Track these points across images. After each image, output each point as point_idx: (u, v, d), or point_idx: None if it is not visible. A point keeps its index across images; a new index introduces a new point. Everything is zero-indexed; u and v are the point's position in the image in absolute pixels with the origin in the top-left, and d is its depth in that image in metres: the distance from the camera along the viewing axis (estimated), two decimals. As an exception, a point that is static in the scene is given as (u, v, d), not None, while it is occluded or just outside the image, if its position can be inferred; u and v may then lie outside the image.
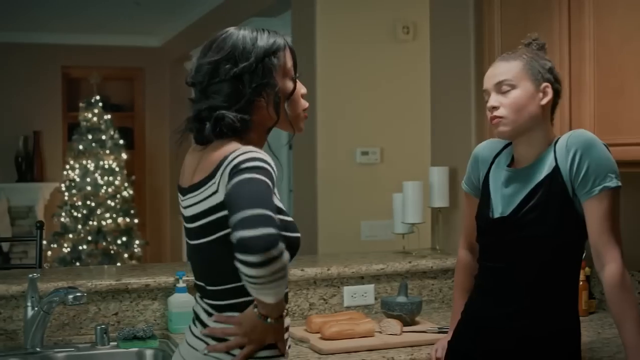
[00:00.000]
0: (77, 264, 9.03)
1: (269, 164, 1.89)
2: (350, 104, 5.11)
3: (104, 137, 9.35)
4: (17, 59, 9.91)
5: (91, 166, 9.24)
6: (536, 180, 2.37)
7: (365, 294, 3.40)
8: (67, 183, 9.31)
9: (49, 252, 9.40)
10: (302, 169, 5.39)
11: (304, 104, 2.13)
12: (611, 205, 2.30)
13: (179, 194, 2.12)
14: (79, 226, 9.17)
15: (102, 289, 3.10)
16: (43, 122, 10.04)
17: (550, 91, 2.40)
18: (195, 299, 2.17)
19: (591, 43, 2.89)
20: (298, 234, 2.00)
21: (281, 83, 2.04)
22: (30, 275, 2.96)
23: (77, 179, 9.26)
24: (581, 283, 3.20)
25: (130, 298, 3.15)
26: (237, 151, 1.91)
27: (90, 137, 9.32)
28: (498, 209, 2.44)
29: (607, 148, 2.34)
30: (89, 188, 9.19)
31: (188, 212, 2.04)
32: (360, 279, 3.41)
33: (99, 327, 3.00)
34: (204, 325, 2.05)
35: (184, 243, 2.22)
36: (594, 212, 2.30)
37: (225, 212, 1.87)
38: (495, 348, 2.41)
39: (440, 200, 3.68)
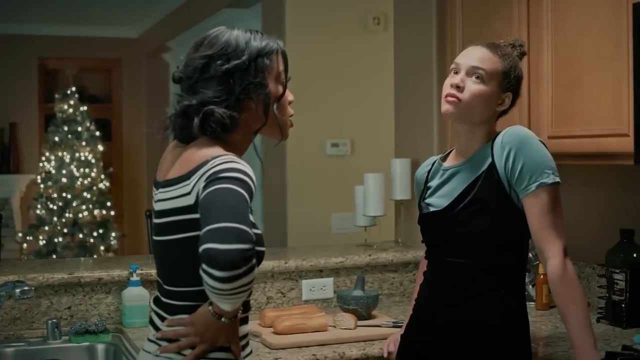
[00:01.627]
0: (54, 256, 8.96)
1: (249, 176, 1.85)
2: (320, 95, 5.07)
3: (79, 129, 9.26)
4: (-8, 50, 9.84)
5: (67, 158, 9.16)
6: (474, 176, 2.35)
7: (324, 287, 3.36)
8: (43, 175, 9.23)
9: (25, 245, 9.33)
10: (271, 161, 5.35)
11: (291, 111, 2.10)
12: (550, 201, 2.27)
13: (153, 187, 2.09)
14: (55, 218, 9.10)
15: (54, 283, 3.05)
16: (19, 114, 9.96)
17: (508, 102, 2.41)
18: (150, 304, 2.12)
19: (549, 33, 2.86)
20: (263, 248, 1.94)
21: (272, 86, 2.01)
22: (-21, 269, 2.91)
23: (53, 171, 9.18)
24: (541, 277, 3.18)
25: (84, 292, 3.10)
26: (219, 158, 1.87)
27: (66, 128, 9.23)
28: (436, 203, 2.42)
29: (544, 144, 2.33)
30: (64, 180, 9.11)
31: (157, 207, 2.00)
32: (320, 272, 3.37)
33: (50, 322, 2.96)
34: (157, 329, 2.01)
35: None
36: (532, 209, 2.28)
37: (192, 216, 1.86)
38: (441, 341, 2.38)
39: (402, 192, 3.64)
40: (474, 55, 2.36)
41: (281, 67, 2.04)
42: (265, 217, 5.62)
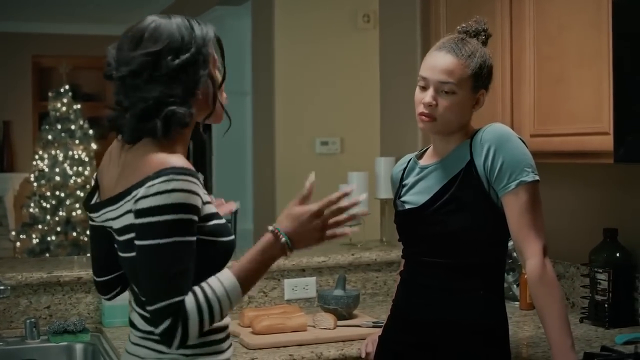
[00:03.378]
0: (47, 255, 8.94)
1: (182, 205, 1.76)
2: (309, 93, 5.04)
3: (73, 127, 9.23)
4: (-14, 48, 9.83)
5: (60, 156, 9.13)
6: (452, 174, 2.32)
7: (306, 286, 3.34)
8: (36, 173, 9.21)
9: (18, 243, 9.30)
10: (261, 159, 5.33)
11: (225, 95, 2.04)
12: (529, 199, 2.23)
13: (90, 213, 2.00)
14: (48, 217, 9.07)
15: (32, 282, 3.02)
16: (13, 112, 9.95)
17: (483, 99, 2.35)
18: (130, 304, 2.08)
19: (531, 30, 2.84)
20: (229, 237, 1.89)
21: (214, 73, 1.96)
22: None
23: (46, 170, 9.15)
24: (526, 276, 3.14)
25: (63, 291, 3.08)
26: (155, 180, 1.76)
27: (59, 127, 9.20)
28: (412, 201, 2.39)
29: (524, 142, 2.29)
30: (58, 178, 9.08)
31: (114, 225, 1.89)
32: (302, 272, 3.34)
33: (28, 321, 2.94)
34: (138, 329, 1.95)
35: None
36: (512, 207, 2.24)
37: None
38: (418, 341, 2.35)
39: (386, 191, 3.60)
40: (439, 67, 2.28)
41: (217, 53, 1.99)
42: (255, 215, 5.60)
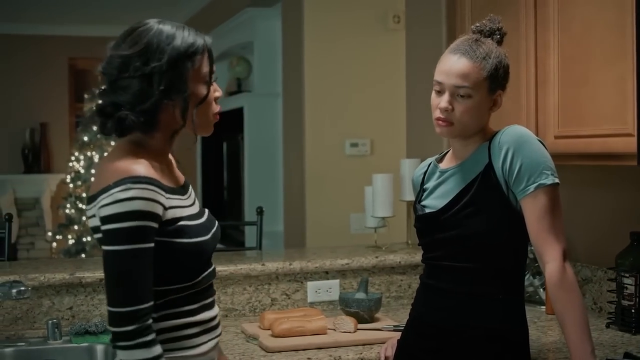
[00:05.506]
0: (82, 255, 9.00)
1: (141, 197, 1.84)
2: (339, 94, 5.01)
3: (108, 129, 9.28)
4: (24, 51, 9.93)
5: (96, 158, 9.19)
6: (470, 177, 2.28)
7: (329, 289, 3.31)
8: (72, 175, 9.29)
9: (54, 244, 9.40)
10: (291, 161, 5.31)
11: (216, 107, 2.04)
12: (549, 202, 2.19)
13: None
14: (84, 218, 9.13)
15: (55, 283, 3.03)
16: (50, 114, 10.04)
17: (501, 99, 2.32)
18: None
19: (555, 32, 2.80)
20: (200, 238, 1.98)
21: (193, 88, 1.96)
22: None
23: (82, 171, 9.22)
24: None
25: (85, 292, 3.08)
26: (115, 188, 1.83)
27: (94, 128, 9.26)
28: (432, 205, 2.36)
29: (543, 144, 2.25)
30: (93, 179, 9.13)
31: (89, 223, 1.99)
32: (325, 274, 3.32)
33: (50, 322, 2.94)
34: None
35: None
36: (531, 211, 2.20)
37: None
38: (436, 346, 2.32)
39: (411, 193, 3.54)
40: (454, 72, 2.25)
41: (206, 68, 1.98)
42: (285, 217, 5.59)
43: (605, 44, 2.57)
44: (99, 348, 2.93)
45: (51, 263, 3.46)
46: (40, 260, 6.52)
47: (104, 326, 2.98)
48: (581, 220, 3.18)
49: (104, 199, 1.85)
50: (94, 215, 1.91)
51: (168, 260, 1.92)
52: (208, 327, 2.04)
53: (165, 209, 1.91)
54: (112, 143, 9.19)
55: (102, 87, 1.98)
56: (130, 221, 1.83)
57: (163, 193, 1.90)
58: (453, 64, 2.26)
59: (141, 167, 1.88)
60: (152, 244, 1.87)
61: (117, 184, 1.84)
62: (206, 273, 2.04)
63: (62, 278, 3.03)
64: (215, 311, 2.07)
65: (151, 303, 1.86)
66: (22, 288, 2.77)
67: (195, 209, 2.05)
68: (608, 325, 2.87)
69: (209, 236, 2.02)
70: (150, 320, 1.86)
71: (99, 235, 1.91)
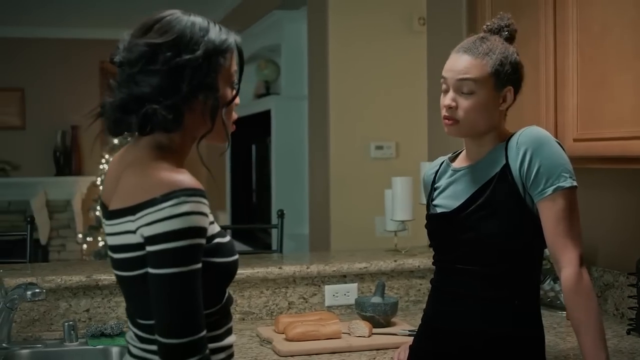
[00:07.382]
0: (113, 257, 9.05)
1: (195, 212, 1.63)
2: (364, 97, 4.98)
3: (138, 132, 9.33)
4: (55, 54, 10.01)
5: (126, 160, 9.23)
6: (486, 178, 2.24)
7: (347, 293, 3.28)
8: (103, 177, 9.34)
9: (84, 246, 9.46)
10: (316, 164, 5.29)
11: (235, 115, 1.88)
12: (566, 206, 2.14)
13: (102, 216, 1.88)
14: (114, 221, 9.18)
15: (72, 285, 3.03)
16: (81, 117, 10.10)
17: (511, 96, 2.26)
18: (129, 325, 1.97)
19: (574, 33, 2.75)
20: (232, 258, 1.79)
21: (222, 88, 1.78)
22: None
23: (112, 173, 9.26)
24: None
25: (102, 294, 3.09)
26: (166, 203, 1.61)
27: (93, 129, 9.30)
28: (444, 205, 2.32)
29: (561, 146, 2.20)
30: (110, 188, 9.16)
31: (109, 240, 1.77)
32: (343, 278, 3.29)
33: (66, 324, 2.94)
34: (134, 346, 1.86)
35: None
36: (548, 214, 2.15)
37: (144, 252, 1.66)
38: (448, 351, 2.29)
39: (431, 196, 3.53)
40: (456, 68, 2.23)
41: (235, 67, 1.83)
42: (310, 219, 5.57)
43: (623, 44, 2.52)
44: (115, 350, 2.93)
45: (69, 265, 3.47)
46: (58, 263, 6.57)
47: (119, 328, 2.98)
48: (601, 224, 3.13)
49: (152, 214, 1.62)
50: (128, 232, 1.68)
51: (204, 282, 1.69)
52: (231, 352, 1.87)
53: (210, 223, 1.72)
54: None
55: (118, 78, 1.77)
56: (187, 239, 1.61)
57: (209, 207, 1.71)
58: (456, 62, 2.25)
59: (187, 178, 1.67)
60: (201, 264, 1.67)
61: (166, 197, 1.61)
62: (227, 295, 1.85)
63: (79, 280, 3.04)
64: (234, 336, 1.91)
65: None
66: (37, 290, 2.78)
67: (217, 226, 1.82)
68: (629, 332, 2.82)
69: (237, 256, 1.83)
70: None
71: (124, 255, 1.71)
